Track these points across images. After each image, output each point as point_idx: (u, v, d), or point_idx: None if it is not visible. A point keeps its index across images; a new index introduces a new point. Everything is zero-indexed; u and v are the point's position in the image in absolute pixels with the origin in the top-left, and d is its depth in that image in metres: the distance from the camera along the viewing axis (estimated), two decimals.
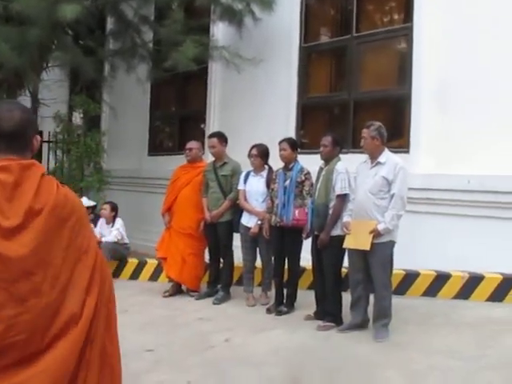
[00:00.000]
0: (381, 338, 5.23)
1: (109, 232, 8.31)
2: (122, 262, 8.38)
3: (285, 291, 6.35)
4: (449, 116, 6.92)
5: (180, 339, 5.49)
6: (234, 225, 6.88)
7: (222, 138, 7.10)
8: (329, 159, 5.86)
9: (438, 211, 6.83)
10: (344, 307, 5.72)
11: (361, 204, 5.38)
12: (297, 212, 6.03)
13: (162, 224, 7.44)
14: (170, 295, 7.20)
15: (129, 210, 9.55)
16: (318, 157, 6.02)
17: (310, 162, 6.36)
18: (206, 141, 7.77)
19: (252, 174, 6.78)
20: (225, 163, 7.00)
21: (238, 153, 7.14)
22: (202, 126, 10.34)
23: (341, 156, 5.96)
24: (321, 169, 5.94)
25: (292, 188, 6.14)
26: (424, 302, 6.38)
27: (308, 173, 6.23)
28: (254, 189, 6.70)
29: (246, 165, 6.92)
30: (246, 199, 6.74)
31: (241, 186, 6.80)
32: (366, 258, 5.34)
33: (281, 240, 6.23)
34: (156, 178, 10.00)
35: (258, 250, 6.79)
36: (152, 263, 8.22)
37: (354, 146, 7.64)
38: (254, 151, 6.71)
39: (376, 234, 5.22)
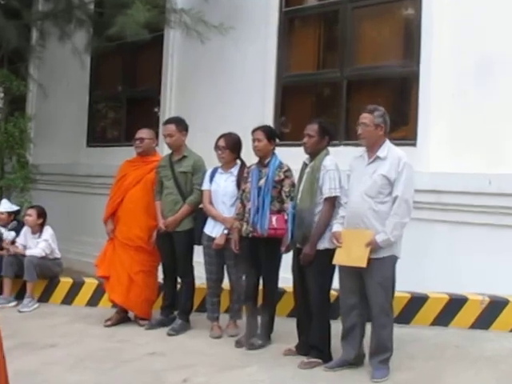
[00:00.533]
0: (380, 378, 5.23)
1: (35, 244, 8.24)
2: (52, 282, 8.33)
3: (259, 319, 6.35)
4: (466, 99, 6.96)
5: (126, 379, 5.45)
6: (195, 235, 6.86)
7: (181, 124, 7.07)
8: (315, 153, 5.86)
9: (451, 219, 6.88)
10: (333, 339, 5.72)
11: (355, 209, 5.38)
12: (274, 219, 6.03)
13: (104, 234, 7.40)
14: (114, 324, 7.16)
15: (61, 217, 9.48)
16: (301, 150, 6.01)
17: (292, 157, 6.35)
18: (161, 128, 7.74)
19: (220, 170, 6.77)
20: (184, 157, 6.98)
21: (202, 144, 7.14)
22: (156, 109, 10.32)
23: (330, 149, 5.96)
24: (305, 165, 5.94)
25: (268, 189, 6.13)
26: (434, 333, 6.41)
27: (288, 170, 6.23)
28: (221, 189, 6.68)
29: (211, 159, 6.89)
30: (211, 202, 6.74)
31: (206, 186, 6.77)
32: (361, 278, 5.35)
33: (254, 255, 6.23)
34: (97, 176, 9.95)
35: (225, 267, 6.78)
36: (90, 283, 8.17)
37: (348, 136, 7.69)
38: (222, 142, 6.69)
39: (374, 246, 5.22)
